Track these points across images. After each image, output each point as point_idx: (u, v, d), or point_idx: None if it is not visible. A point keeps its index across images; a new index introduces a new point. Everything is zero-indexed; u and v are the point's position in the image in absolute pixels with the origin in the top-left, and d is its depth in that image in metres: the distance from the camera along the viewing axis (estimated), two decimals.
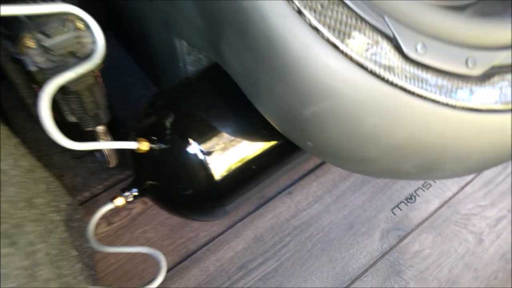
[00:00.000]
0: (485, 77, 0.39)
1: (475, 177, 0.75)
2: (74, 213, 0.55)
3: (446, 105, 0.38)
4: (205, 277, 0.64)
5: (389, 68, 0.36)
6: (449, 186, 0.74)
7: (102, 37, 0.45)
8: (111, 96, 0.61)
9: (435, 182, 0.74)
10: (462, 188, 0.74)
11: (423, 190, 0.74)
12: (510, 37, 0.40)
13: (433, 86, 0.37)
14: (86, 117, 0.53)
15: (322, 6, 0.36)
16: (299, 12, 0.35)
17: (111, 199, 0.53)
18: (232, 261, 0.66)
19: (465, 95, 0.38)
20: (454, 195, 0.73)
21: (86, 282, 0.43)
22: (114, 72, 0.82)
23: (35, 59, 0.43)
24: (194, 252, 0.66)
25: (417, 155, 0.41)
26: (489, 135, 0.40)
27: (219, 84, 0.52)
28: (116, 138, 0.60)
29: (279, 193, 0.73)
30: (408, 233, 0.69)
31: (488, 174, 0.76)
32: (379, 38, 0.36)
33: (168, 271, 0.64)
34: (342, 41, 0.35)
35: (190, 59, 0.61)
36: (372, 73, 0.36)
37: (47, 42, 0.43)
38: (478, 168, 0.47)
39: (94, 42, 0.45)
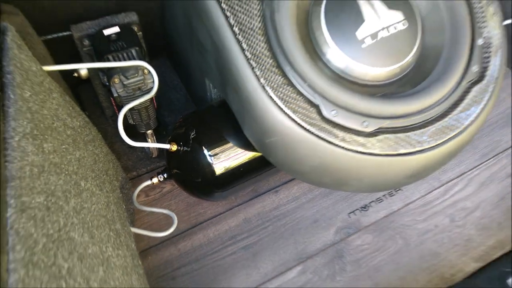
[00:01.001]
0: (373, 134, 0.65)
1: (418, 199, 0.99)
2: (126, 184, 0.86)
3: (346, 148, 0.64)
4: (206, 240, 0.93)
5: (313, 124, 0.63)
6: (396, 202, 0.99)
7: (157, 80, 0.75)
8: (161, 105, 0.91)
9: (386, 198, 0.99)
10: (406, 205, 0.98)
11: (376, 203, 0.99)
12: (392, 111, 0.65)
13: (340, 136, 0.64)
14: (141, 123, 0.84)
15: (277, 85, 0.63)
16: (263, 87, 0.63)
17: (150, 178, 0.83)
18: (226, 232, 0.94)
19: (359, 143, 0.64)
20: (398, 209, 0.98)
21: (128, 223, 0.73)
22: (165, 87, 1.13)
23: (118, 90, 0.74)
24: (201, 223, 0.95)
25: (329, 175, 0.68)
26: (373, 169, 0.66)
27: (227, 113, 0.81)
28: (158, 137, 0.91)
29: (269, 190, 1.00)
30: (356, 232, 0.95)
31: (429, 197, 0.99)
32: (309, 106, 0.63)
33: (181, 233, 0.94)
34: (286, 105, 0.63)
35: (214, 93, 0.90)
36: (302, 126, 0.63)
37: (126, 81, 0.73)
38: (371, 189, 0.73)
39: (153, 82, 0.75)
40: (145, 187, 0.88)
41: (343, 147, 0.64)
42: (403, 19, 0.69)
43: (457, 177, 1.02)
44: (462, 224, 0.95)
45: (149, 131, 0.87)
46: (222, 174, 0.80)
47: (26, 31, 0.67)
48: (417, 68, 0.72)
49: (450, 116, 0.67)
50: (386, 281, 0.88)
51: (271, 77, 0.63)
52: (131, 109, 0.80)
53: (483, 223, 0.95)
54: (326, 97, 0.64)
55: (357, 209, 0.98)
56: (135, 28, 0.86)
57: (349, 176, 0.68)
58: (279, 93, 0.63)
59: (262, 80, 0.63)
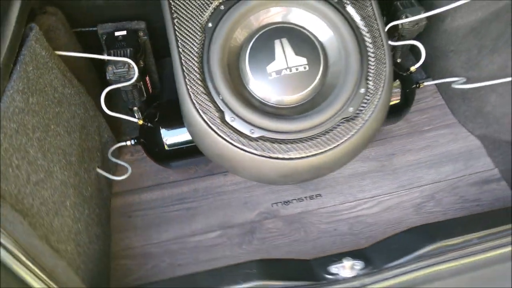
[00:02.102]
0: (257, 139, 0.91)
1: (331, 206, 1.22)
2: (110, 140, 1.20)
3: (236, 146, 0.91)
4: (161, 196, 1.25)
5: (215, 124, 0.92)
6: (313, 204, 1.22)
7: (137, 73, 1.07)
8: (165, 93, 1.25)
9: (307, 199, 1.24)
10: (320, 208, 1.22)
11: (297, 201, 1.24)
12: (274, 127, 0.91)
13: (232, 137, 0.91)
14: (128, 101, 1.17)
15: (198, 93, 0.92)
16: (189, 92, 0.93)
17: (125, 141, 1.17)
18: (178, 195, 1.25)
19: (245, 144, 0.91)
20: (312, 210, 1.22)
21: (96, 163, 1.08)
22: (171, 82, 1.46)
23: (109, 75, 1.07)
24: (162, 183, 1.27)
25: (226, 163, 0.96)
26: (253, 164, 0.93)
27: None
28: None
29: (220, 172, 1.29)
30: (271, 218, 1.21)
31: (340, 207, 1.22)
32: (216, 111, 0.91)
33: (146, 187, 1.26)
34: (200, 108, 0.92)
35: None
36: (208, 124, 0.91)
37: (115, 70, 1.06)
38: (256, 179, 1.00)
39: (134, 73, 1.08)
40: (127, 147, 1.22)
41: (233, 144, 0.92)
42: (306, 64, 0.95)
43: (371, 197, 1.23)
44: (356, 233, 1.17)
45: (135, 108, 1.20)
46: (171, 148, 1.11)
47: (56, 26, 1.02)
48: (313, 100, 0.97)
49: (317, 139, 0.92)
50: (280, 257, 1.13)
51: (196, 87, 0.93)
52: (121, 90, 1.13)
53: (373, 236, 1.16)
54: (230, 107, 0.92)
55: (280, 202, 1.24)
56: (141, 33, 1.20)
57: (238, 166, 0.96)
58: (197, 99, 0.92)
59: (189, 87, 0.93)
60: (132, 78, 1.07)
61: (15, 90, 0.76)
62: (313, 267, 0.88)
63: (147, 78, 1.21)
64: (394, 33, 1.18)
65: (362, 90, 0.94)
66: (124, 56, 1.09)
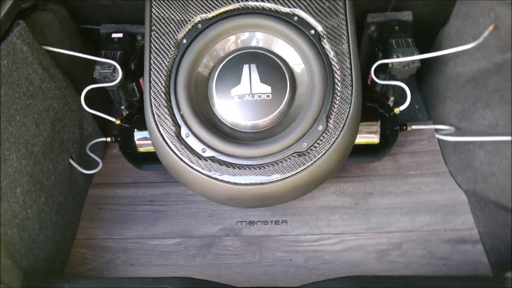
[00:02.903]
0: (207, 159, 0.93)
1: (293, 235, 1.21)
2: (94, 133, 1.26)
3: (185, 162, 0.93)
4: (134, 194, 1.29)
5: (169, 137, 0.94)
6: (276, 230, 1.21)
7: (121, 75, 1.12)
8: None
9: (272, 224, 1.23)
10: (282, 235, 1.21)
11: (262, 224, 1.23)
12: (226, 149, 0.91)
13: (185, 155, 0.93)
14: (114, 100, 1.23)
15: (160, 105, 0.95)
16: (151, 103, 0.95)
17: (106, 137, 1.23)
18: (149, 196, 1.29)
19: (194, 162, 0.93)
20: (274, 235, 1.20)
21: (68, 153, 1.14)
22: None
23: (94, 73, 1.13)
24: (138, 182, 1.32)
25: (177, 177, 0.98)
26: (200, 182, 0.94)
27: None
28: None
29: None
30: (232, 236, 1.21)
31: (302, 237, 1.20)
32: (173, 125, 0.94)
33: (123, 183, 1.31)
34: (158, 120, 0.94)
35: None
36: (162, 137, 0.94)
37: (101, 70, 1.12)
38: (204, 196, 1.00)
39: (118, 75, 1.12)
40: (101, 142, 1.29)
41: (182, 160, 0.94)
42: (269, 93, 0.95)
43: (336, 234, 1.20)
44: (310, 268, 1.14)
45: (122, 107, 1.26)
46: (142, 152, 1.15)
47: (52, 23, 1.09)
48: (272, 128, 0.97)
49: (265, 169, 0.91)
50: (227, 278, 1.14)
51: (158, 99, 0.96)
52: (108, 89, 1.19)
53: (326, 274, 1.13)
54: (186, 123, 0.94)
55: (245, 221, 1.24)
56: (139, 37, 1.25)
57: (186, 182, 0.97)
58: (158, 111, 0.95)
59: (152, 98, 0.96)
60: (115, 79, 1.12)
61: None
62: None
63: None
64: (385, 71, 1.14)
65: (320, 128, 0.92)
66: (112, 58, 1.14)
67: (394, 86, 1.17)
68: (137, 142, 1.14)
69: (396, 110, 1.13)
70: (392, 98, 1.23)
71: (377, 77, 1.15)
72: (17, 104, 0.93)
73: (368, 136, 1.12)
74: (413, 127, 1.20)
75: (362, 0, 1.21)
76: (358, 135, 1.11)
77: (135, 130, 1.15)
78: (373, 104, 1.14)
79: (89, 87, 1.11)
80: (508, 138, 0.99)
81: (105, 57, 1.14)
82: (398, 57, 1.08)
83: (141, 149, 1.15)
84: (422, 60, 1.09)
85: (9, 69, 0.90)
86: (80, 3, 1.21)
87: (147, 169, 1.27)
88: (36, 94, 0.99)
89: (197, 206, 1.27)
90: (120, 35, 1.21)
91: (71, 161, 1.15)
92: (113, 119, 1.17)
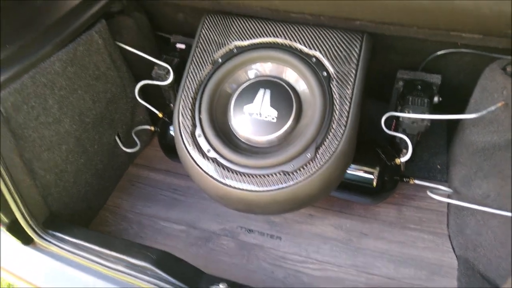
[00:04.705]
0: (210, 159, 1.09)
1: (285, 252, 1.31)
2: (144, 119, 1.51)
3: (193, 158, 1.11)
4: (162, 180, 1.50)
5: (185, 134, 1.13)
6: (271, 243, 1.33)
7: (172, 78, 1.34)
8: None
9: (268, 236, 1.35)
10: (273, 249, 1.32)
11: (259, 234, 1.35)
12: (227, 155, 1.07)
13: (192, 152, 1.11)
14: (167, 96, 1.46)
15: (185, 109, 1.15)
16: (179, 108, 1.16)
17: (151, 126, 1.46)
18: (174, 185, 1.49)
19: (199, 160, 1.10)
20: (267, 247, 1.32)
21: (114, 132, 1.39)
22: None
23: (152, 73, 1.37)
24: (169, 171, 1.53)
25: (187, 171, 1.15)
26: (202, 179, 1.10)
27: None
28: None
29: None
30: (229, 237, 1.35)
31: (291, 256, 1.30)
32: (191, 124, 1.13)
33: (157, 169, 1.54)
34: (180, 119, 1.14)
35: None
36: (180, 133, 1.13)
37: (157, 71, 1.35)
38: (208, 194, 1.16)
39: (169, 77, 1.35)
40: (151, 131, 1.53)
41: (191, 155, 1.12)
42: (275, 117, 1.09)
43: (320, 261, 1.27)
44: (287, 284, 1.24)
45: (170, 104, 1.48)
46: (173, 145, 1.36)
47: (131, 27, 1.36)
48: (269, 147, 1.11)
49: (252, 178, 1.06)
50: (210, 271, 1.27)
51: (186, 102, 1.15)
52: (161, 88, 1.42)
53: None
54: (202, 125, 1.12)
55: (245, 228, 1.38)
56: None
57: (190, 173, 1.15)
58: (183, 111, 1.15)
59: (182, 100, 1.16)
60: (167, 80, 1.35)
61: (58, 59, 1.09)
62: (202, 279, 1.02)
63: None
64: (398, 123, 1.22)
65: (309, 155, 1.04)
66: (169, 63, 1.36)
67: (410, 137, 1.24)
68: (171, 136, 1.35)
69: (397, 161, 1.19)
70: (405, 151, 1.29)
71: (396, 129, 1.24)
72: (82, 81, 1.19)
73: (366, 178, 1.20)
74: (416, 181, 1.25)
75: (396, 56, 1.30)
76: (356, 174, 1.21)
77: (172, 125, 1.36)
78: (378, 150, 1.22)
79: (143, 82, 1.35)
80: (493, 210, 1.02)
81: (164, 61, 1.37)
82: (408, 112, 1.16)
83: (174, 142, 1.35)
84: (452, 124, 1.12)
85: (83, 54, 1.17)
86: (161, 16, 1.47)
87: (176, 160, 1.47)
88: (99, 78, 1.25)
89: (208, 203, 1.44)
90: (183, 46, 1.44)
91: (116, 137, 1.39)
92: (157, 112, 1.39)
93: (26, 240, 1.14)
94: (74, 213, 1.26)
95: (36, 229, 1.11)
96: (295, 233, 1.35)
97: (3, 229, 1.13)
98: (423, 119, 1.16)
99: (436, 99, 1.21)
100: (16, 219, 1.09)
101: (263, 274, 1.27)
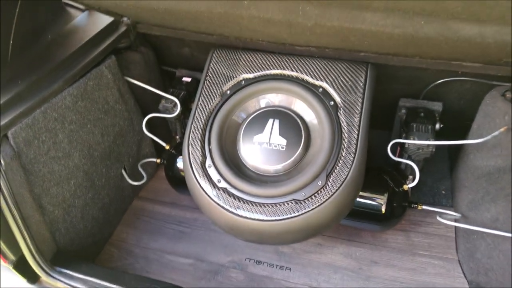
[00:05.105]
0: (221, 189, 1.09)
1: (294, 282, 1.30)
2: (149, 152, 1.51)
3: (203, 189, 1.11)
4: (168, 213, 1.49)
5: (195, 164, 1.13)
6: (280, 274, 1.32)
7: (179, 110, 1.36)
8: None
9: (276, 267, 1.33)
10: (283, 280, 1.30)
11: (268, 265, 1.34)
12: (238, 185, 1.08)
13: (203, 183, 1.12)
14: (173, 128, 1.47)
15: (194, 141, 1.16)
16: (189, 139, 1.17)
17: (157, 158, 1.47)
18: (180, 217, 1.48)
19: (209, 190, 1.10)
20: (275, 278, 1.31)
21: (121, 165, 1.39)
22: None
23: (159, 106, 1.39)
24: (175, 203, 1.52)
25: (196, 201, 1.15)
26: (213, 210, 1.10)
27: None
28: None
29: None
30: (238, 269, 1.33)
31: (293, 279, 1.29)
32: (201, 155, 1.14)
33: (162, 202, 1.53)
34: (190, 150, 1.15)
35: None
36: (191, 164, 1.14)
37: (164, 104, 1.37)
38: (217, 225, 1.15)
39: (176, 110, 1.37)
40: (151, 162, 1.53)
41: (201, 186, 1.12)
42: (284, 146, 1.11)
43: None
44: None
45: (176, 136, 1.50)
46: (182, 177, 1.36)
47: (138, 62, 1.38)
48: (280, 175, 1.11)
49: (264, 208, 1.06)
50: None
51: (196, 134, 1.17)
52: (168, 120, 1.44)
53: None
54: (212, 156, 1.13)
55: (254, 260, 1.36)
56: None
57: (200, 204, 1.14)
58: (193, 142, 1.16)
59: (191, 132, 1.17)
60: (174, 113, 1.37)
61: (69, 94, 1.11)
62: None
63: None
64: (403, 150, 1.24)
65: (320, 183, 1.05)
66: (176, 96, 1.39)
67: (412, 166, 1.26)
68: (178, 167, 1.36)
69: (405, 187, 1.21)
70: (411, 177, 1.31)
71: (401, 156, 1.26)
72: (91, 115, 1.20)
73: (374, 205, 1.21)
74: (424, 207, 1.26)
75: (398, 85, 1.34)
76: (364, 201, 1.22)
77: (179, 157, 1.36)
78: (385, 177, 1.23)
79: (151, 115, 1.36)
80: (502, 233, 1.03)
81: (171, 94, 1.39)
82: (413, 139, 1.18)
83: (181, 174, 1.36)
84: (453, 150, 1.14)
85: (93, 89, 1.18)
86: (167, 51, 1.51)
87: (183, 192, 1.47)
88: (108, 112, 1.26)
89: (216, 235, 1.43)
90: (189, 79, 1.47)
91: (123, 171, 1.39)
92: (164, 144, 1.40)
93: (33, 278, 1.12)
94: (80, 249, 1.24)
95: (43, 266, 1.09)
96: (305, 263, 1.34)
97: (8, 267, 1.10)
98: (428, 145, 1.18)
99: (437, 125, 1.25)
100: (23, 256, 1.07)
101: None
